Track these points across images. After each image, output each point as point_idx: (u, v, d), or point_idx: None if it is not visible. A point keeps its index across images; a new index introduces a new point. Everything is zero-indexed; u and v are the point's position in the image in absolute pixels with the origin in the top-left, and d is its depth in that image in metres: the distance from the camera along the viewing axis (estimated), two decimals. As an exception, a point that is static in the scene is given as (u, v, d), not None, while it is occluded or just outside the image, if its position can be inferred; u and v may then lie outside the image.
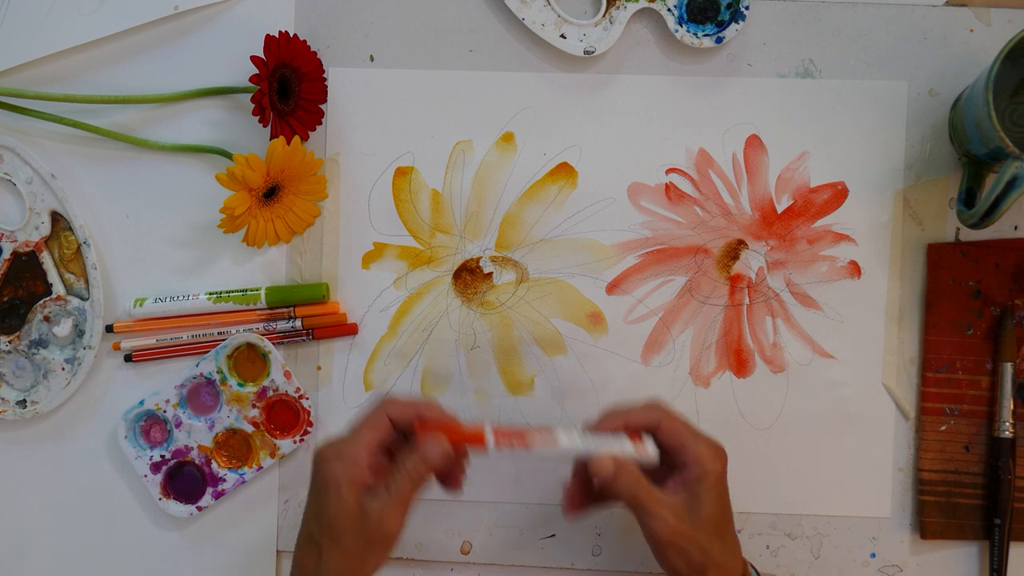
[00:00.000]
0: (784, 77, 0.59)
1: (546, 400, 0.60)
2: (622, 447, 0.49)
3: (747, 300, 0.59)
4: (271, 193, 0.57)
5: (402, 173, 0.60)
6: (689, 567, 0.48)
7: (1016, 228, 0.59)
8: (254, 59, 0.54)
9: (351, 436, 0.49)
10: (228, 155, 0.58)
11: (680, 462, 0.49)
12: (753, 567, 0.51)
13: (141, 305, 0.60)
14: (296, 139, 0.56)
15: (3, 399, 0.61)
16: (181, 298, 0.60)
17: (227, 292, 0.60)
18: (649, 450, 0.49)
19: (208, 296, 0.60)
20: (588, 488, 0.51)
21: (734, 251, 0.59)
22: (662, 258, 0.59)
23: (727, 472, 0.49)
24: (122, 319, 0.61)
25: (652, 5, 0.58)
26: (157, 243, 0.61)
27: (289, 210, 0.58)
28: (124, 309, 0.61)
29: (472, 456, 0.51)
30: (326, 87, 0.60)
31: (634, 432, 0.50)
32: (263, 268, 0.61)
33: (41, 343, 0.61)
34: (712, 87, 0.59)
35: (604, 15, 0.59)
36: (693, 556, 0.48)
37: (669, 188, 0.59)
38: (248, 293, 0.60)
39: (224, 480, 0.60)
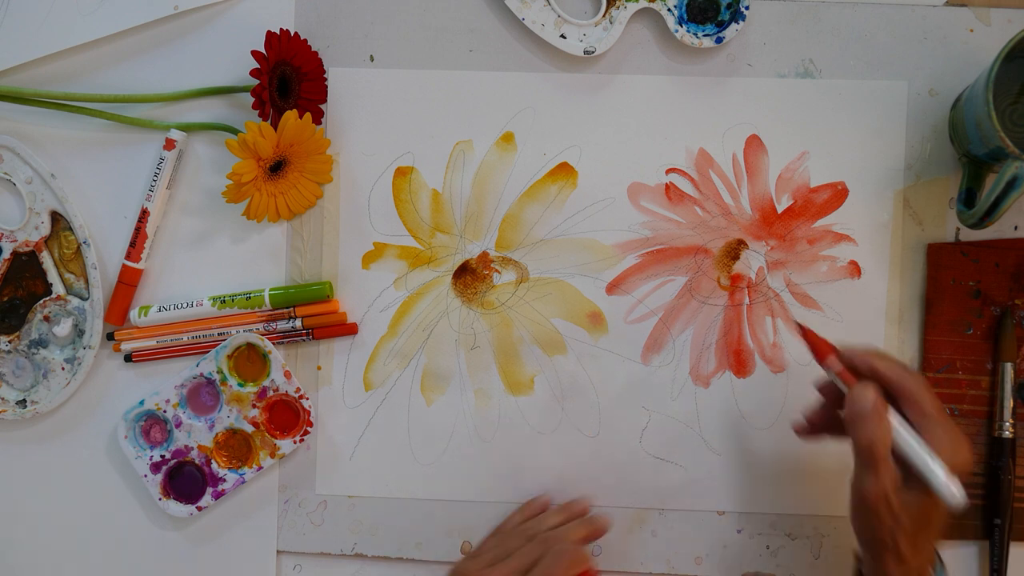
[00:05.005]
0: (784, 77, 0.59)
1: (546, 400, 0.60)
2: (934, 473, 0.46)
3: (747, 300, 0.59)
4: (277, 167, 0.57)
5: (402, 173, 0.60)
6: (874, 540, 0.48)
7: (1016, 228, 0.59)
8: (255, 54, 0.54)
9: None
10: (234, 131, 0.58)
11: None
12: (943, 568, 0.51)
13: (146, 315, 0.60)
14: (307, 115, 0.56)
15: (3, 399, 0.61)
16: (185, 306, 0.60)
17: (231, 296, 0.60)
18: (953, 492, 0.45)
19: (212, 302, 0.60)
20: (829, 414, 0.52)
21: (734, 251, 0.59)
22: (662, 258, 0.59)
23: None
24: (126, 326, 0.61)
25: (652, 5, 0.58)
26: (157, 243, 0.61)
27: (293, 187, 0.58)
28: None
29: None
30: (326, 87, 0.60)
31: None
32: (263, 269, 0.61)
33: (41, 343, 0.61)
34: (712, 87, 0.59)
35: (604, 15, 0.59)
36: (883, 533, 0.47)
37: (669, 188, 0.59)
38: (252, 297, 0.59)
39: (224, 480, 0.60)
